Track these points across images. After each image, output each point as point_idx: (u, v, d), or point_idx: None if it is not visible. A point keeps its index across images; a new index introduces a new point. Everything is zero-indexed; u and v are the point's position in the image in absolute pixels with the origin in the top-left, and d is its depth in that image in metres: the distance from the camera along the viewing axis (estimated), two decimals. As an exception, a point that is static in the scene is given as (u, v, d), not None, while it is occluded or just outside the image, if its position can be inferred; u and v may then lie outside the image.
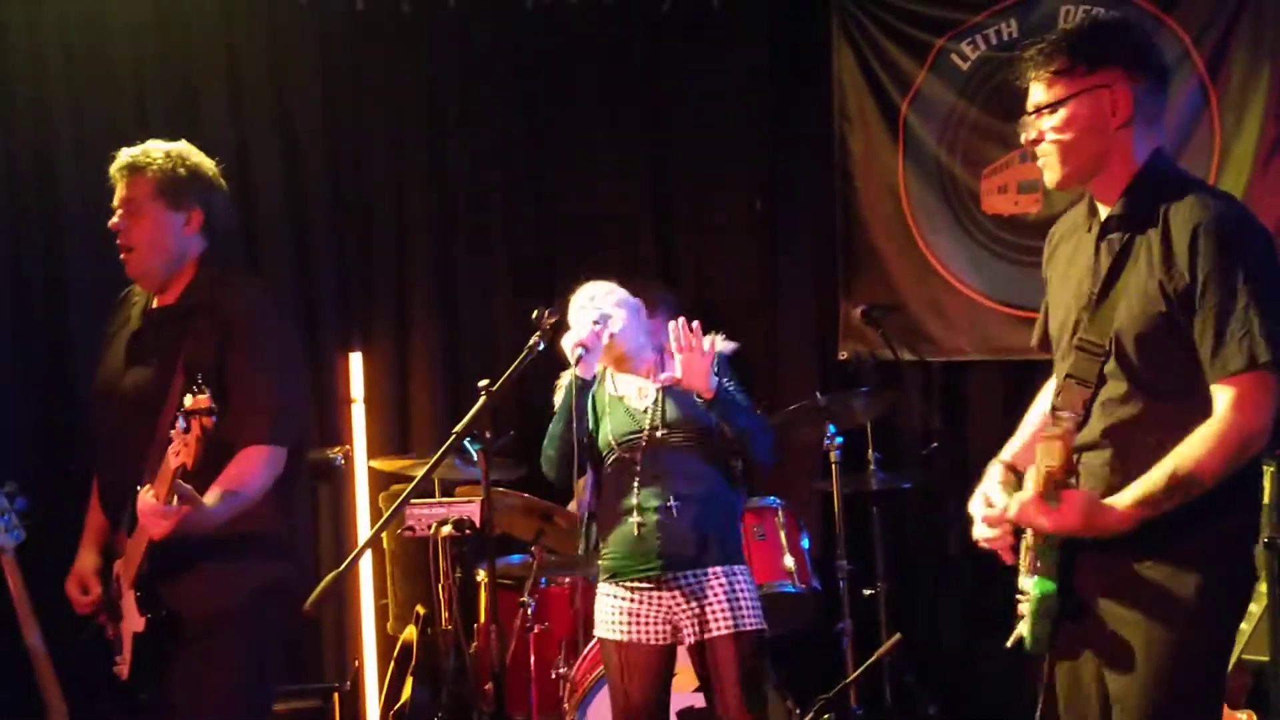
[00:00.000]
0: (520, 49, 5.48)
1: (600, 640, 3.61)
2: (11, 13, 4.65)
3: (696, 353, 3.39)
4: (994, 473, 2.70)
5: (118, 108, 4.82)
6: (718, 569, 3.48)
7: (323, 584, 2.75)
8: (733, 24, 5.51)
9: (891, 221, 5.37)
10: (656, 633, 3.49)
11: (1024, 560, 2.65)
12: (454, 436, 2.99)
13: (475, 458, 3.36)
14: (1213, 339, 2.37)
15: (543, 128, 5.54)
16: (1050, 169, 2.54)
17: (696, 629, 3.44)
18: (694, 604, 3.44)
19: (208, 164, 3.24)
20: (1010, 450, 2.78)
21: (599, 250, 5.53)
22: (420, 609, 4.56)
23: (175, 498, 2.84)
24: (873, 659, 4.42)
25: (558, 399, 3.65)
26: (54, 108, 4.74)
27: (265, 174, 5.11)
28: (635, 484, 3.51)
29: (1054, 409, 2.56)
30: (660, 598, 3.49)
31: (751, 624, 3.46)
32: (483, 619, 4.36)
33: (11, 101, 4.69)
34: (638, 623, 3.50)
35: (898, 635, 4.39)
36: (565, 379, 3.62)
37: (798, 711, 4.04)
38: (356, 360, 4.90)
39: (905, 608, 5.05)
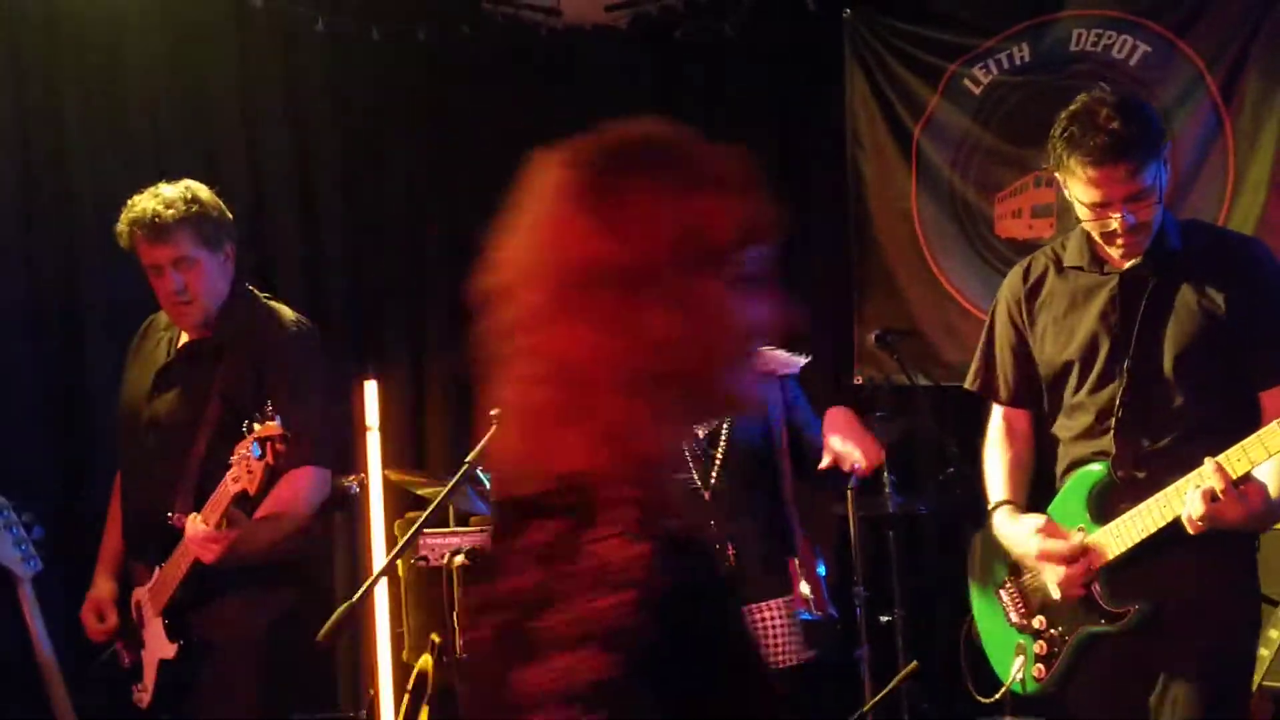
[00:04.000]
0: (535, 75, 5.50)
1: None
2: (27, 63, 4.66)
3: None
4: (1018, 517, 2.87)
5: (133, 140, 4.84)
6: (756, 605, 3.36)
7: (336, 614, 2.76)
8: (746, 49, 5.53)
9: (904, 246, 5.37)
10: None
11: (1018, 602, 2.77)
12: (466, 465, 3.00)
13: (489, 486, 3.35)
14: (1274, 345, 2.65)
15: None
16: (1140, 246, 2.72)
17: None
18: None
19: (212, 194, 3.25)
20: (1006, 490, 2.97)
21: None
22: (435, 637, 4.54)
23: (225, 523, 2.85)
24: (890, 686, 4.38)
25: None
26: (70, 141, 4.75)
27: (280, 201, 5.12)
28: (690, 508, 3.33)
29: (1115, 427, 2.73)
30: None
31: (776, 661, 3.33)
32: (498, 647, 4.34)
33: (29, 136, 4.71)
34: None
35: (915, 663, 4.36)
36: None
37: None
38: (371, 388, 4.90)
39: (923, 635, 5.02)
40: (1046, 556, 2.77)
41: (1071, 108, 2.71)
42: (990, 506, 2.96)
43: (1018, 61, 5.10)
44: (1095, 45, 4.93)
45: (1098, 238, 2.75)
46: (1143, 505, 2.65)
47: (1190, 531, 2.53)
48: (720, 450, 3.32)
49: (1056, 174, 2.75)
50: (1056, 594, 2.80)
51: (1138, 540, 2.65)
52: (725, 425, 3.37)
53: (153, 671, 3.15)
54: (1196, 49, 4.74)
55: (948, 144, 5.25)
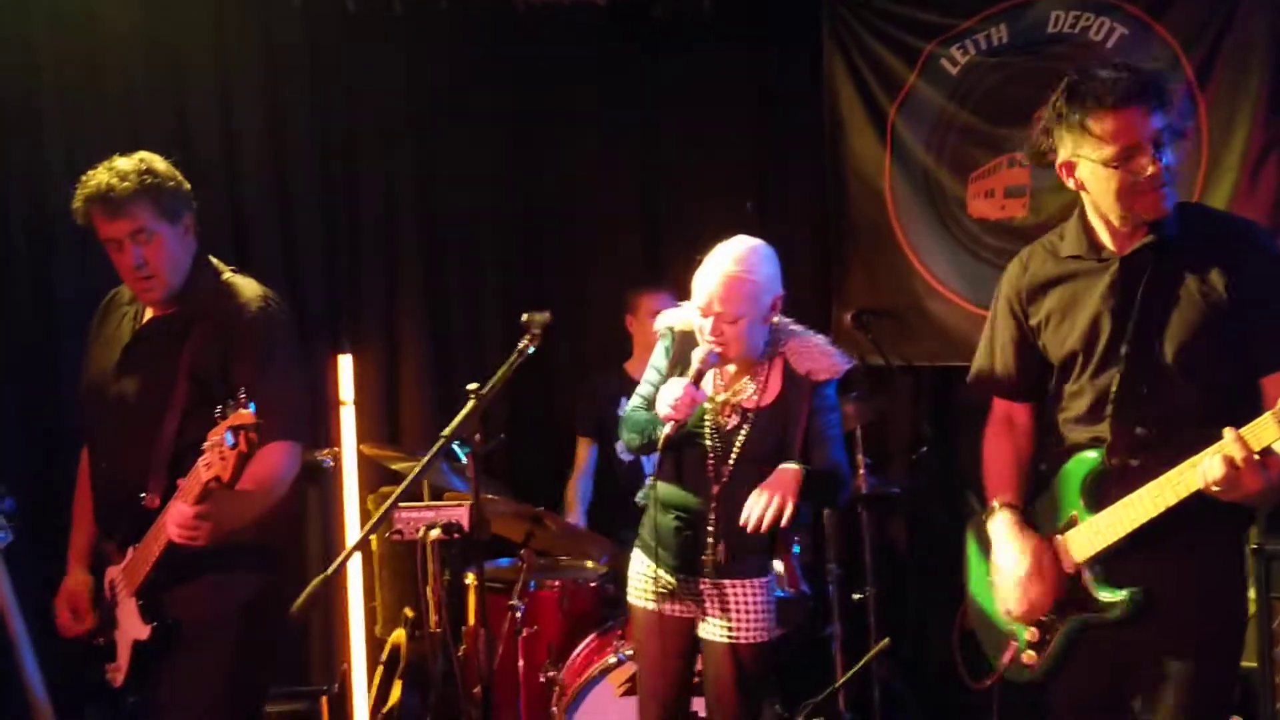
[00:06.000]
0: (511, 50, 5.48)
1: (630, 606, 3.53)
2: (2, 21, 4.62)
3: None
4: (1016, 531, 2.83)
5: (107, 110, 4.80)
6: (737, 580, 3.36)
7: (309, 588, 2.74)
8: (724, 26, 5.51)
9: (879, 226, 5.38)
10: (682, 608, 3.43)
11: (1014, 594, 2.78)
12: (442, 440, 2.99)
13: (464, 461, 3.34)
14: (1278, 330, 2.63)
15: (533, 129, 5.53)
16: (1169, 198, 2.67)
17: (704, 629, 3.41)
18: (702, 606, 3.40)
19: (169, 165, 3.20)
20: (1009, 489, 2.93)
21: (589, 253, 5.53)
22: (408, 612, 4.55)
23: (202, 502, 2.83)
24: (861, 663, 4.41)
25: (658, 356, 3.46)
26: (43, 111, 4.72)
27: (254, 175, 5.10)
28: (695, 486, 3.36)
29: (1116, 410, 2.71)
30: (680, 588, 3.42)
31: (747, 637, 3.35)
32: (471, 622, 4.35)
33: (2, 105, 4.67)
34: (665, 600, 3.43)
35: (886, 640, 4.39)
36: (661, 325, 3.50)
37: (786, 715, 4.04)
38: (346, 362, 4.88)
39: (894, 612, 5.05)
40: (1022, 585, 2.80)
41: (1064, 82, 2.67)
42: (992, 504, 2.92)
43: (995, 42, 5.11)
44: (1073, 27, 4.94)
45: (1115, 208, 2.67)
46: (1135, 494, 2.64)
47: (1213, 488, 2.49)
48: (735, 452, 3.32)
49: (1059, 153, 2.69)
50: (1013, 608, 2.82)
51: (1130, 530, 2.65)
52: (745, 427, 3.34)
53: (126, 651, 3.13)
54: (1172, 31, 4.75)
55: (923, 124, 5.26)
